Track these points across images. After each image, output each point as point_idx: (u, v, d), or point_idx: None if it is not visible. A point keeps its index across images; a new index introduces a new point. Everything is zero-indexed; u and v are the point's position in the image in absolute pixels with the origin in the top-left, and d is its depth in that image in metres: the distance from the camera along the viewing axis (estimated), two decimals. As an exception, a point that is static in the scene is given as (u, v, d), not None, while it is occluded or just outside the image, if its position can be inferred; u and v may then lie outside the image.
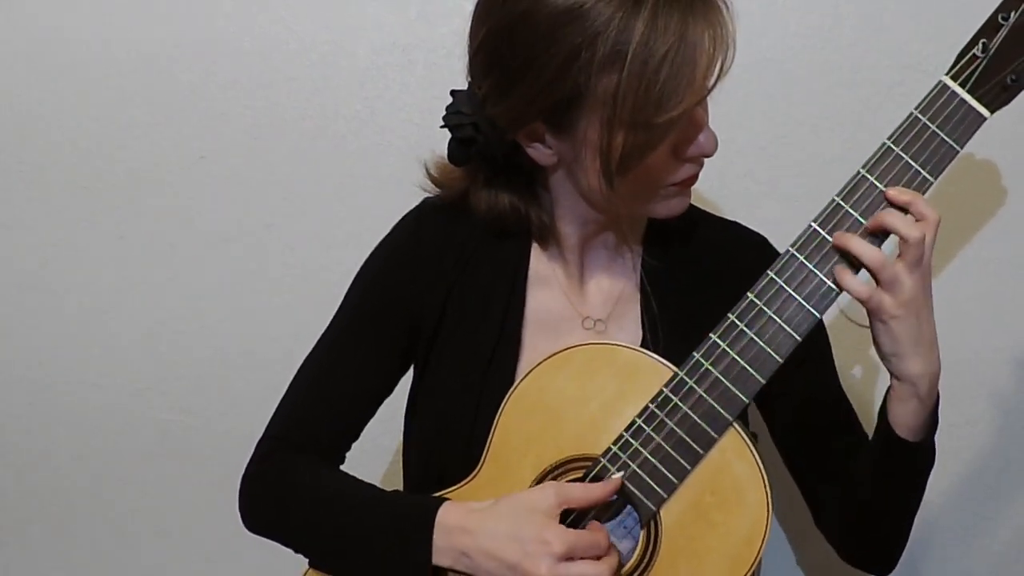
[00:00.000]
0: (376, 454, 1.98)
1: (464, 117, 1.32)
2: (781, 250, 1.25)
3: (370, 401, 1.47)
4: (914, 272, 1.18)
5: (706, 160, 1.31)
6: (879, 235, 1.21)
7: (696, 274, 1.43)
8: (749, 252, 1.46)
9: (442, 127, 1.35)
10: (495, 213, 1.39)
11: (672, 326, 1.39)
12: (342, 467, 1.45)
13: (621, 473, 1.25)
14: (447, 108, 1.35)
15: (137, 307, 2.01)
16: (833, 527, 1.44)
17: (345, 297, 1.48)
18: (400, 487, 1.46)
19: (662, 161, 1.25)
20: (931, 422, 1.29)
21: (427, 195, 1.48)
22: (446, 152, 1.37)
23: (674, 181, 1.29)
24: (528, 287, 1.42)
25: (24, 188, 1.98)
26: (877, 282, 1.19)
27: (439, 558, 1.25)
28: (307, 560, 1.40)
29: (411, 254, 1.44)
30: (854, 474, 1.35)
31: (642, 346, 1.38)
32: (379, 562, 1.30)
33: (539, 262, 1.44)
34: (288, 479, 1.39)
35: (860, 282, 1.19)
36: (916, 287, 1.18)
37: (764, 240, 1.50)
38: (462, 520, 1.25)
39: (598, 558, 1.21)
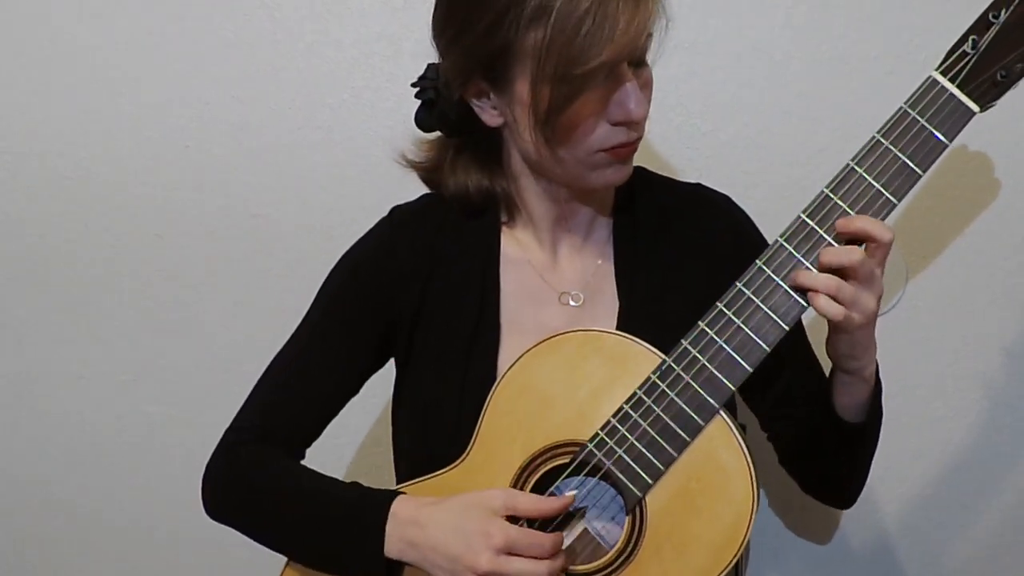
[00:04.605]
0: (359, 447, 1.99)
1: (428, 81, 1.44)
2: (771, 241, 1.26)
3: (336, 401, 1.50)
4: (871, 286, 1.22)
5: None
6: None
7: (668, 240, 1.46)
8: (714, 213, 1.51)
9: (416, 95, 1.45)
10: (463, 190, 1.45)
11: (649, 295, 1.42)
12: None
13: (575, 492, 1.29)
14: (420, 76, 1.45)
15: (122, 298, 2.00)
16: (792, 468, 1.54)
17: (317, 296, 1.51)
18: (377, 480, 1.46)
19: (589, 123, 1.29)
20: (876, 391, 1.36)
21: (398, 202, 1.53)
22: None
23: (603, 147, 1.31)
24: (501, 270, 1.45)
25: (8, 179, 1.97)
26: (839, 302, 1.22)
27: (389, 549, 1.29)
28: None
29: (383, 261, 1.47)
30: (810, 448, 1.45)
31: (620, 317, 1.41)
32: (335, 552, 1.34)
33: (510, 245, 1.47)
34: (250, 469, 1.42)
35: (831, 303, 1.21)
36: (874, 300, 1.23)
37: (727, 198, 1.54)
38: (413, 513, 1.28)
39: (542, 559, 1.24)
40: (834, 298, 1.21)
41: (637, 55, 1.28)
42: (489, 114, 1.37)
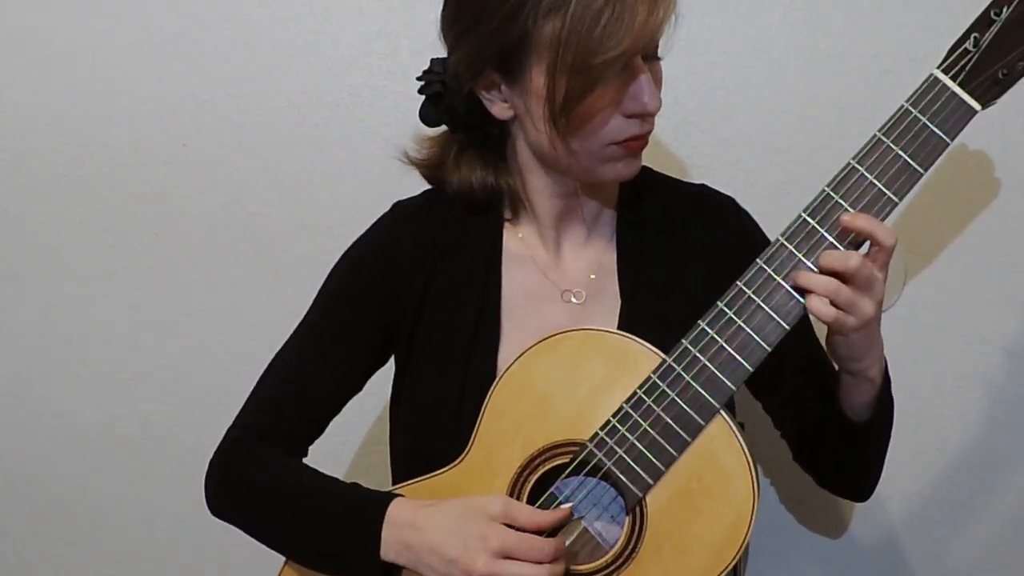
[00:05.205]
0: (360, 445, 1.99)
1: (434, 75, 1.43)
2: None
3: (339, 399, 1.49)
4: (870, 291, 1.21)
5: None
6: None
7: (672, 240, 1.46)
8: (719, 214, 1.51)
9: (420, 90, 1.44)
10: (467, 186, 1.45)
11: (651, 294, 1.42)
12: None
13: (570, 504, 1.29)
14: (424, 71, 1.44)
15: (120, 296, 1.99)
16: (807, 464, 1.53)
17: (319, 294, 1.50)
18: (374, 479, 1.47)
19: (604, 114, 1.29)
20: (884, 387, 1.36)
21: (397, 199, 1.52)
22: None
23: (616, 139, 1.32)
24: (503, 268, 1.45)
25: (6, 177, 1.97)
26: (835, 305, 1.21)
27: (385, 551, 1.28)
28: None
29: (388, 252, 1.46)
30: (820, 445, 1.45)
31: (622, 316, 1.40)
32: (334, 552, 1.33)
33: (512, 242, 1.46)
34: (251, 468, 1.42)
35: (825, 305, 1.21)
36: (873, 305, 1.22)
37: (732, 200, 1.54)
38: (410, 515, 1.28)
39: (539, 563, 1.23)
40: (832, 301, 1.20)
41: (652, 48, 1.30)
42: (499, 107, 1.37)
